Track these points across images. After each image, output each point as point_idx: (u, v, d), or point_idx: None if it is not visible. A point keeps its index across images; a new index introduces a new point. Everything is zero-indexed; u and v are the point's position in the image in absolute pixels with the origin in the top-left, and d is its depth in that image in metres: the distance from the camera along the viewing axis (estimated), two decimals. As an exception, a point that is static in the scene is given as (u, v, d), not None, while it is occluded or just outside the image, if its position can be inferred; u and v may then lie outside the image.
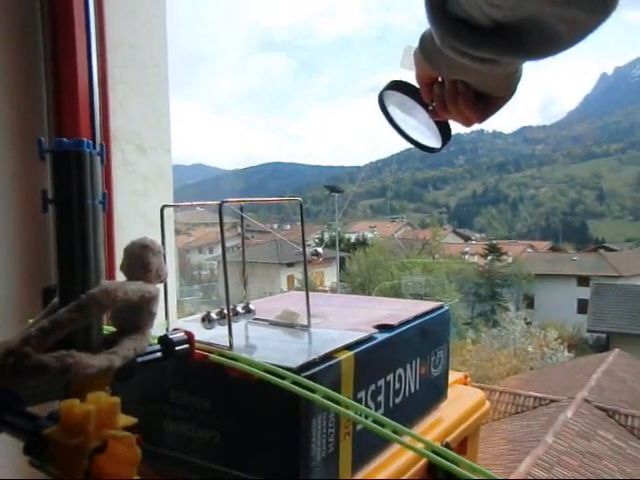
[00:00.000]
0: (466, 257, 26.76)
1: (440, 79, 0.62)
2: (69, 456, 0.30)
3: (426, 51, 0.56)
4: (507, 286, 21.88)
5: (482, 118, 0.62)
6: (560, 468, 5.68)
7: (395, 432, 0.47)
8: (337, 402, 0.52)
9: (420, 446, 0.49)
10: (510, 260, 23.89)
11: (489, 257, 23.55)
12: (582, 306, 19.42)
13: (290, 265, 23.21)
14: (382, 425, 0.46)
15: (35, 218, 0.98)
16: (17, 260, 0.96)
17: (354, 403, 0.54)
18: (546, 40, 0.42)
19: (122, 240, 1.05)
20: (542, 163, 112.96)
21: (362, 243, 24.82)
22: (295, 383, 0.51)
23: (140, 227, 1.12)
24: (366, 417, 0.53)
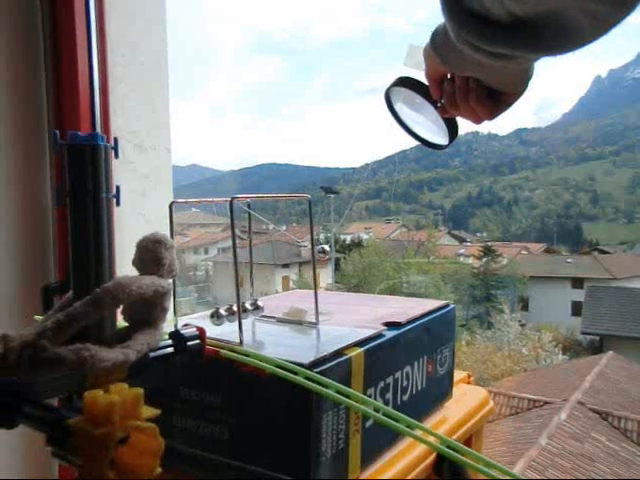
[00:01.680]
0: (461, 259, 26.81)
1: (450, 76, 0.62)
2: (95, 446, 0.30)
3: (438, 46, 0.56)
4: (502, 288, 21.93)
5: (492, 115, 0.61)
6: (553, 470, 5.71)
7: (408, 427, 0.47)
8: (348, 398, 0.52)
9: (432, 441, 0.49)
10: (505, 262, 23.95)
11: (484, 259, 23.59)
12: (576, 308, 19.50)
13: (285, 266, 23.19)
14: (396, 420, 0.46)
15: (35, 216, 0.98)
16: (16, 258, 0.95)
17: (367, 398, 0.54)
18: (566, 35, 0.41)
19: (121, 239, 1.05)
20: (537, 165, 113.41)
21: (357, 244, 24.82)
22: (307, 379, 0.51)
23: (140, 226, 1.12)
24: (377, 412, 0.53)
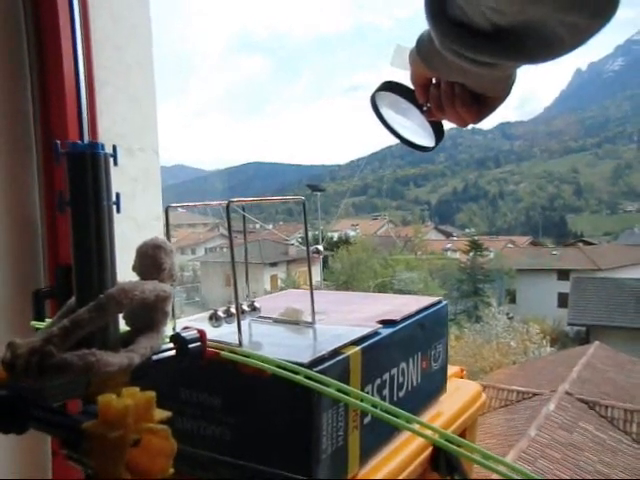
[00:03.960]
0: (448, 253, 26.98)
1: (435, 80, 0.63)
2: (110, 449, 0.31)
3: (423, 52, 0.57)
4: (489, 281, 22.10)
5: (478, 119, 0.63)
6: (543, 461, 5.77)
7: (407, 422, 0.48)
8: (348, 396, 0.53)
9: (430, 435, 0.50)
10: (491, 256, 24.13)
11: (471, 253, 23.74)
12: (562, 300, 19.69)
13: (273, 265, 23.17)
14: (395, 416, 0.47)
15: (24, 222, 0.97)
16: (6, 264, 0.95)
17: (367, 395, 0.56)
18: (546, 44, 0.43)
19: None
20: (521, 159, 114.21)
21: (345, 241, 24.85)
22: (308, 378, 0.52)
23: (130, 229, 1.12)
24: (375, 408, 0.54)
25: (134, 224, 1.14)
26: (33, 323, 0.80)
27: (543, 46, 0.43)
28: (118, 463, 0.31)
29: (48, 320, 0.75)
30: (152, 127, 1.22)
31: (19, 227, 0.97)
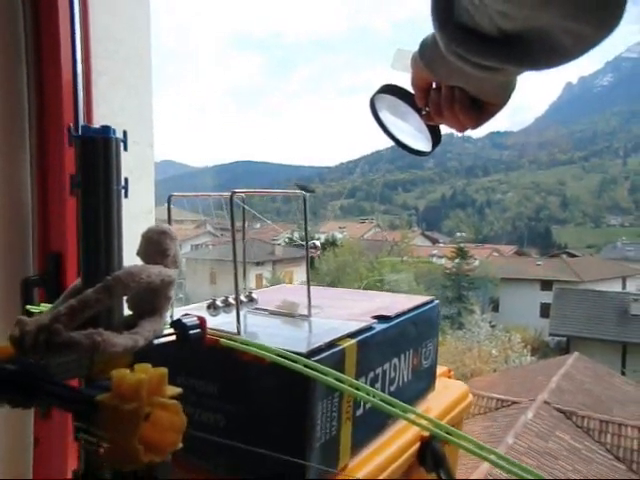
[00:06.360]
0: (434, 259, 27.12)
1: (436, 84, 0.64)
2: (125, 421, 0.32)
3: (426, 56, 0.58)
4: (473, 289, 22.24)
5: (476, 124, 0.64)
6: (519, 468, 5.82)
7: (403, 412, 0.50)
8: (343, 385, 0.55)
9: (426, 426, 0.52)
10: (477, 263, 24.29)
11: (456, 260, 23.88)
12: (545, 310, 19.89)
13: (259, 264, 23.11)
14: (392, 406, 0.49)
15: (13, 209, 0.97)
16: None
17: (363, 385, 0.57)
18: (550, 52, 0.44)
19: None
20: (509, 168, 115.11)
21: (332, 243, 24.85)
22: (306, 367, 0.54)
23: (124, 220, 1.12)
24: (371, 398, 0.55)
25: (128, 215, 1.14)
26: (28, 307, 0.80)
27: (548, 53, 0.44)
28: (132, 435, 0.32)
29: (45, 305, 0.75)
30: (148, 120, 1.22)
31: (9, 214, 0.96)
